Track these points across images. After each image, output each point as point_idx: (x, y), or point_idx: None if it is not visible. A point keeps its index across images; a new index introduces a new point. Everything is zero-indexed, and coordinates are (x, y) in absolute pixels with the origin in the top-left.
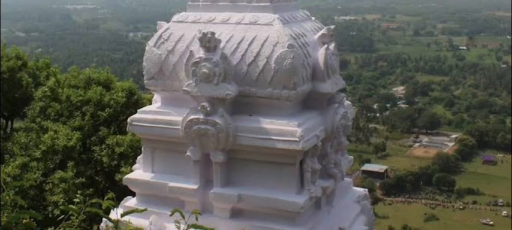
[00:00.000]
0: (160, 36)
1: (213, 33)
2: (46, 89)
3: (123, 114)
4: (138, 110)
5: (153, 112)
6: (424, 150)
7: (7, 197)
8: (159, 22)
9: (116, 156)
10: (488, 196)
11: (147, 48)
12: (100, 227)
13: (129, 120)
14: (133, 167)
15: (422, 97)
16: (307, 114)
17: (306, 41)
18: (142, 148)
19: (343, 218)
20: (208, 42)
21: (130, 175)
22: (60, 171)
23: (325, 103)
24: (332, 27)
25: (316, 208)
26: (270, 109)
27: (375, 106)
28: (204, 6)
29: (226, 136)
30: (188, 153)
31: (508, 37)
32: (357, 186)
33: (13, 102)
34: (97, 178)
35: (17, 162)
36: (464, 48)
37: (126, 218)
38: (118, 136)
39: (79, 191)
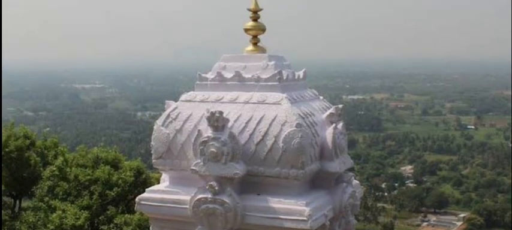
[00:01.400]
0: (168, 116)
1: (221, 113)
2: (54, 168)
3: (131, 193)
4: (146, 189)
5: (161, 192)
6: (432, 229)
7: None
8: (167, 101)
9: None
10: None
11: (155, 127)
12: None
13: (137, 199)
14: None
15: (431, 177)
16: (315, 193)
17: (314, 120)
18: (151, 228)
19: None
20: (217, 121)
21: None
22: None
23: (333, 182)
24: (340, 106)
25: None
26: (278, 189)
27: (383, 186)
28: (212, 85)
29: (234, 215)
30: None
31: None
32: None
33: (21, 181)
34: None
35: None
36: (473, 127)
37: None
38: (126, 215)
39: None
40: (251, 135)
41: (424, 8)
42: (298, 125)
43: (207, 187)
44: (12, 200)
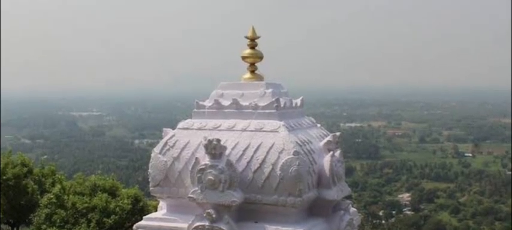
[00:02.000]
0: (165, 143)
1: (218, 140)
2: (52, 196)
3: (129, 221)
4: (144, 217)
5: (159, 219)
6: None
7: None
8: (164, 129)
9: None
10: None
11: (152, 155)
12: None
13: (134, 227)
14: None
15: (428, 204)
16: (313, 221)
17: (311, 148)
18: None
19: None
20: (214, 149)
21: None
22: None
23: (331, 210)
24: (337, 134)
25: None
26: (275, 216)
27: (381, 213)
28: (209, 113)
29: None
30: None
31: None
32: None
33: (19, 208)
34: None
35: None
36: (470, 155)
37: None
38: None
39: None
40: (249, 162)
41: (421, 36)
42: (296, 153)
43: (204, 215)
44: (10, 228)
